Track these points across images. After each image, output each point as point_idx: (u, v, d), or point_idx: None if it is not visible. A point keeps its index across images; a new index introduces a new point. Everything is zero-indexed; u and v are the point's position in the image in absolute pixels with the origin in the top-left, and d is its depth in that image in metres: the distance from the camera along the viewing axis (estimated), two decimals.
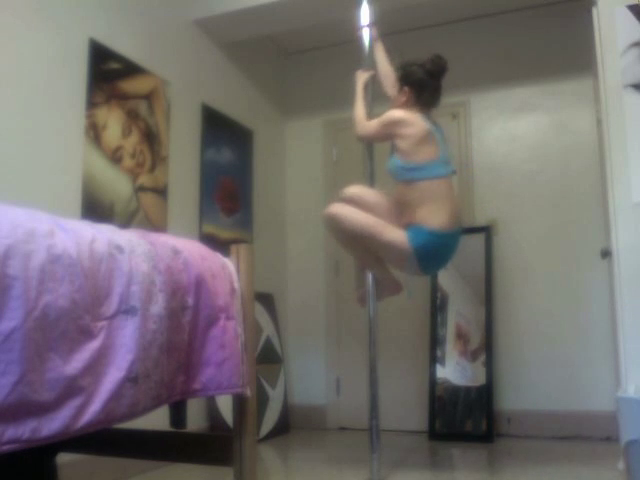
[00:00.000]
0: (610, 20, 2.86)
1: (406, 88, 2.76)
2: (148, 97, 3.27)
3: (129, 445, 1.96)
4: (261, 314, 4.06)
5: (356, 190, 2.83)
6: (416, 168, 2.61)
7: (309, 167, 4.65)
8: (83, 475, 2.44)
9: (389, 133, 2.70)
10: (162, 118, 3.37)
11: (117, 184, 3.01)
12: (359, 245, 2.77)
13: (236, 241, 3.77)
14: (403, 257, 2.61)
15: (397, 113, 2.70)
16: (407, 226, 2.62)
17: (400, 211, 2.70)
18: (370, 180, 2.98)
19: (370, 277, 2.91)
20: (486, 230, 4.08)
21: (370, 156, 3.01)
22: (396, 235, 2.61)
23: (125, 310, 1.43)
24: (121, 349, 1.41)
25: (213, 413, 3.55)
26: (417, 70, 2.74)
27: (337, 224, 2.73)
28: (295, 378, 4.45)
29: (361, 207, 2.72)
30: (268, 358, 4.08)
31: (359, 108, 2.89)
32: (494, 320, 3.96)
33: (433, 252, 2.62)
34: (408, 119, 2.65)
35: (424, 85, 2.74)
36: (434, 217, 2.57)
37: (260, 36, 4.19)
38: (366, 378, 2.90)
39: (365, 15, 3.07)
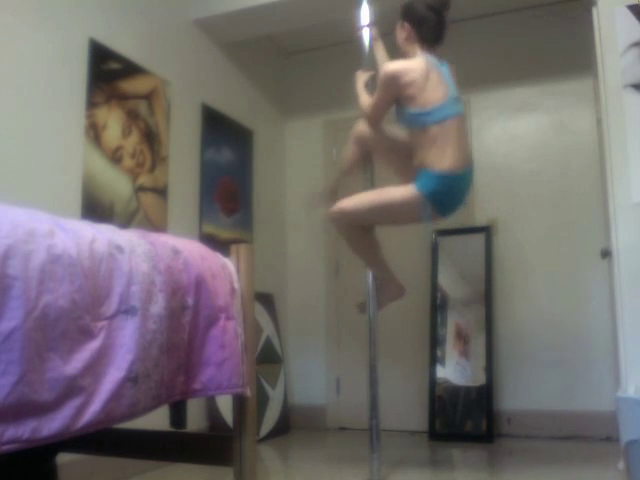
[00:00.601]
0: (610, 20, 2.86)
1: (406, 24, 2.73)
2: (148, 97, 3.27)
3: (129, 445, 1.96)
4: (261, 314, 4.06)
5: (365, 128, 2.84)
6: (426, 113, 2.59)
7: (309, 167, 4.65)
8: (83, 475, 2.44)
9: (393, 91, 2.65)
10: (162, 118, 3.37)
11: (117, 184, 3.01)
12: (369, 246, 2.79)
13: (236, 241, 3.77)
14: (418, 208, 2.60)
15: (390, 67, 2.65)
16: (417, 170, 2.63)
17: (410, 153, 2.70)
18: (370, 180, 2.98)
19: (370, 279, 2.91)
20: (486, 230, 4.08)
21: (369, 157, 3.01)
22: (404, 191, 2.62)
23: (125, 310, 1.43)
24: (121, 349, 1.41)
25: (213, 413, 3.55)
26: (417, 4, 2.71)
27: (345, 218, 2.74)
28: (295, 378, 4.45)
29: (370, 145, 2.81)
30: (268, 358, 4.08)
31: (364, 100, 2.86)
32: (494, 320, 3.96)
33: (446, 194, 2.62)
34: (403, 67, 2.63)
35: (425, 20, 2.70)
36: (444, 159, 2.56)
37: (260, 36, 4.19)
38: (366, 378, 2.90)
39: (365, 15, 3.07)
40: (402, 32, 2.76)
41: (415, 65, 2.63)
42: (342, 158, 3.05)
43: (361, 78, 2.98)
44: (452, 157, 2.57)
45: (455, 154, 2.58)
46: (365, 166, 2.98)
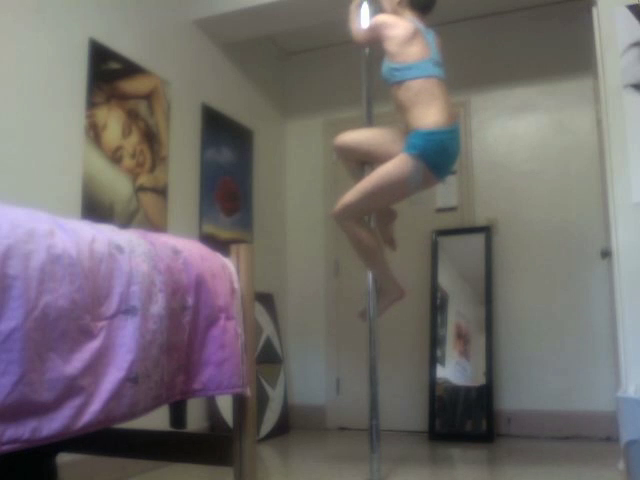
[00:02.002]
0: (610, 20, 2.86)
1: None
2: (148, 97, 3.27)
3: (129, 445, 1.96)
4: (261, 314, 4.06)
5: (345, 139, 2.94)
6: (406, 67, 2.68)
7: (309, 167, 4.65)
8: (83, 475, 2.44)
9: (376, 36, 2.79)
10: (162, 118, 3.37)
11: (117, 184, 3.01)
12: (372, 248, 2.82)
13: (236, 241, 3.77)
14: (413, 172, 2.61)
15: (381, 17, 2.81)
16: (406, 136, 2.68)
17: (402, 131, 2.77)
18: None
19: (370, 280, 2.91)
20: (486, 230, 4.08)
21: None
22: (396, 161, 2.65)
23: (125, 310, 1.43)
24: (121, 349, 1.41)
25: (213, 413, 3.55)
26: None
27: (349, 212, 2.78)
28: (295, 378, 4.45)
29: (355, 152, 2.90)
30: (268, 358, 4.08)
31: (353, 20, 3.01)
32: (494, 320, 3.96)
33: (436, 152, 2.63)
34: (392, 21, 2.75)
35: None
36: (429, 116, 2.61)
37: (260, 36, 4.19)
38: (366, 378, 2.90)
39: (365, 15, 3.06)
40: None
41: (403, 23, 2.74)
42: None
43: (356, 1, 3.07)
44: (437, 113, 2.61)
45: (439, 110, 2.62)
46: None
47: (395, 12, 2.85)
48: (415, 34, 2.71)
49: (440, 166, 2.67)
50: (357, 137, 2.94)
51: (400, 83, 2.68)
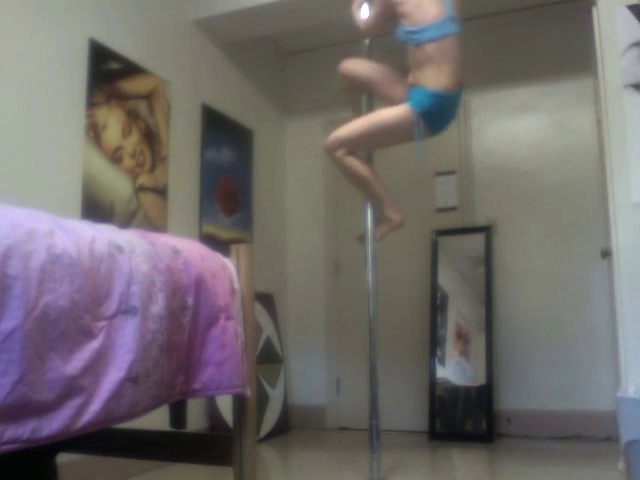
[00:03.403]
0: (610, 20, 2.86)
1: None
2: (148, 97, 3.27)
3: (129, 445, 1.96)
4: (261, 314, 4.06)
5: (350, 66, 2.99)
6: (422, 30, 2.68)
7: (309, 167, 4.65)
8: (83, 475, 2.44)
9: (386, 8, 2.77)
10: (162, 118, 3.37)
11: (117, 184, 3.01)
12: (367, 177, 2.88)
13: (236, 241, 3.77)
14: (411, 126, 2.70)
15: None
16: (411, 87, 2.73)
17: (401, 77, 2.84)
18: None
19: (370, 279, 2.90)
20: (486, 230, 4.08)
21: (369, 157, 3.01)
22: (397, 110, 2.73)
23: (125, 310, 1.43)
24: (121, 349, 1.41)
25: (213, 413, 3.55)
26: None
27: (341, 146, 2.84)
28: (295, 378, 4.45)
29: (357, 79, 2.96)
30: (268, 358, 4.08)
31: (356, 14, 3.01)
32: (494, 320, 3.96)
33: (439, 113, 2.73)
34: None
35: None
36: (441, 78, 2.67)
37: (260, 36, 4.19)
38: (366, 378, 2.90)
39: (365, 15, 3.06)
40: None
41: None
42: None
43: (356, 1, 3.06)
44: (449, 76, 2.67)
45: (451, 73, 2.68)
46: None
47: None
48: None
49: (438, 125, 2.80)
50: (362, 66, 3.00)
51: (417, 45, 2.69)
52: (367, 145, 2.93)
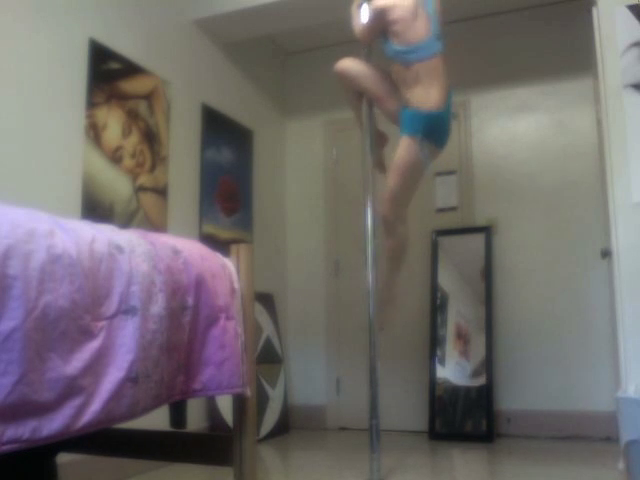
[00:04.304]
0: (610, 20, 2.86)
1: None
2: (148, 97, 3.27)
3: (129, 445, 1.96)
4: (261, 314, 4.06)
5: (346, 65, 3.03)
6: (411, 50, 2.77)
7: (309, 167, 4.65)
8: (83, 475, 2.44)
9: (379, 25, 2.85)
10: (162, 118, 3.37)
11: (117, 184, 3.01)
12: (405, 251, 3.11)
13: (236, 241, 3.77)
14: (421, 150, 2.81)
15: (378, 3, 2.83)
16: (403, 108, 2.82)
17: (395, 87, 2.92)
18: (369, 180, 2.98)
19: (371, 279, 2.91)
20: (486, 230, 4.08)
21: (370, 151, 3.02)
22: (406, 147, 2.82)
23: (125, 310, 1.43)
24: (121, 349, 1.41)
25: (213, 413, 3.55)
26: None
27: (395, 208, 2.98)
28: (295, 378, 4.45)
29: (352, 81, 3.01)
30: (268, 358, 4.08)
31: (356, 20, 3.02)
32: (494, 320, 3.96)
33: (437, 129, 2.85)
34: (390, 3, 2.79)
35: None
36: (430, 98, 2.76)
37: (260, 36, 4.19)
38: (366, 378, 2.90)
39: (365, 16, 3.06)
40: None
41: (400, 2, 2.78)
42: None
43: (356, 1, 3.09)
44: (437, 96, 2.77)
45: (439, 93, 2.78)
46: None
47: None
48: (416, 9, 2.77)
49: (440, 139, 2.91)
50: (358, 70, 3.02)
51: (406, 64, 2.77)
52: (410, 193, 2.99)
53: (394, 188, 2.91)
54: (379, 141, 3.22)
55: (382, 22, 2.82)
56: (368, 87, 2.98)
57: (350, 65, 3.04)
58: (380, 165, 3.24)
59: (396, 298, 3.06)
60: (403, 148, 2.84)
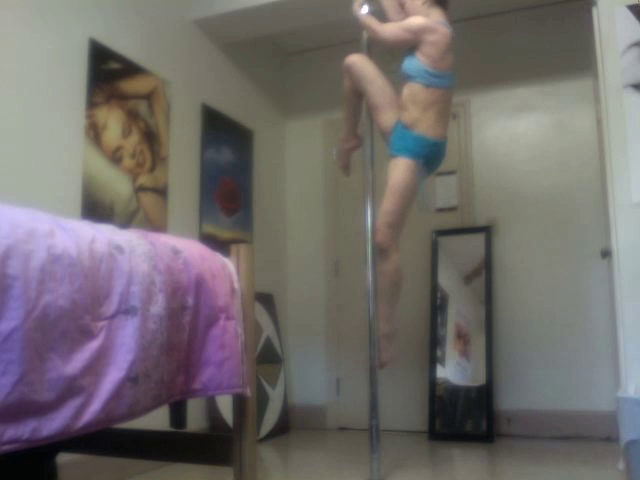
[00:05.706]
0: (610, 20, 2.86)
1: None
2: (148, 97, 3.27)
3: (129, 445, 1.96)
4: (261, 314, 4.06)
5: (357, 62, 3.00)
6: (440, 75, 2.79)
7: (309, 167, 4.65)
8: (83, 475, 2.44)
9: (414, 39, 2.80)
10: (162, 118, 3.37)
11: (117, 184, 3.01)
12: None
13: (236, 241, 3.77)
14: (417, 173, 2.84)
15: (421, 20, 2.81)
16: (403, 127, 2.81)
17: (395, 100, 2.91)
18: (369, 180, 2.98)
19: (370, 281, 2.90)
20: (486, 230, 4.08)
21: (370, 150, 3.02)
22: (405, 170, 2.81)
23: (125, 310, 1.43)
24: (121, 349, 1.41)
25: (213, 413, 3.55)
26: None
27: (393, 232, 2.91)
28: (295, 378, 4.45)
29: (356, 79, 2.99)
30: (268, 358, 4.08)
31: (370, 21, 2.93)
32: (494, 320, 3.96)
33: (436, 156, 2.91)
34: (434, 26, 2.79)
35: None
36: (439, 127, 2.83)
37: (260, 36, 4.18)
38: (366, 378, 2.90)
39: (365, 15, 3.06)
40: None
41: (442, 29, 2.80)
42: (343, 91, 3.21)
43: (357, 2, 3.03)
44: (443, 126, 2.86)
45: (445, 123, 2.87)
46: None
47: (418, 12, 2.85)
48: (451, 41, 2.81)
49: (435, 167, 2.99)
50: (366, 71, 2.98)
51: (427, 86, 2.78)
52: (405, 214, 2.96)
53: (393, 211, 2.86)
54: (353, 143, 3.23)
55: (419, 39, 2.77)
56: (370, 92, 2.96)
57: (359, 64, 2.99)
58: (346, 168, 3.29)
59: (396, 332, 3.02)
60: (402, 170, 2.81)
